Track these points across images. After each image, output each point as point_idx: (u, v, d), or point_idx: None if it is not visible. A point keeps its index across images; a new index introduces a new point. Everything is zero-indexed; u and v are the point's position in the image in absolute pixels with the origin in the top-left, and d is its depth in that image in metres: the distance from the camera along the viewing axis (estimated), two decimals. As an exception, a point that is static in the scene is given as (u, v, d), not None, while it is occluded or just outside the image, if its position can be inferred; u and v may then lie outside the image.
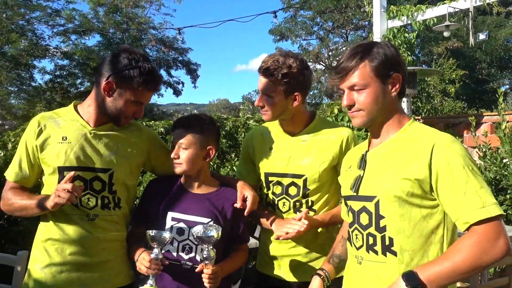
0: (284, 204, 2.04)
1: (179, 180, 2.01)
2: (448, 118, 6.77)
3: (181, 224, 1.90)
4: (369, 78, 1.51)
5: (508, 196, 4.50)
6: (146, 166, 2.09)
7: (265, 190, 2.11)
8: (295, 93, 1.94)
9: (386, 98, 1.54)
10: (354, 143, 2.00)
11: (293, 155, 2.02)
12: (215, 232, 1.76)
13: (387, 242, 1.49)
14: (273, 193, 2.06)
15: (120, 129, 1.95)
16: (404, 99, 5.29)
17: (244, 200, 1.93)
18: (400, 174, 1.46)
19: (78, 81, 20.38)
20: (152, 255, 1.76)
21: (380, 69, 1.51)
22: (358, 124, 1.58)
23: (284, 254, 2.05)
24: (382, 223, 1.49)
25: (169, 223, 1.90)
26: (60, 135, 1.86)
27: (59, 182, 1.81)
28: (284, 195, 2.03)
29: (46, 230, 1.88)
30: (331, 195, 2.04)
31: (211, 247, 1.76)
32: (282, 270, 2.05)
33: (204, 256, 1.76)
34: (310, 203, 2.01)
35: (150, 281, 1.74)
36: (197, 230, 1.77)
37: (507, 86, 24.19)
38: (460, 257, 1.32)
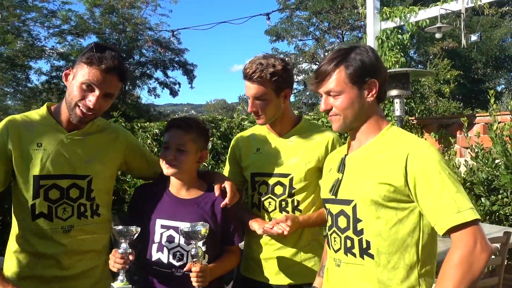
0: (270, 204, 2.05)
1: (166, 186, 1.97)
2: (441, 118, 6.80)
3: (171, 231, 1.88)
4: (343, 84, 1.53)
5: (500, 196, 4.54)
6: (121, 168, 2.04)
7: (250, 191, 2.13)
8: (284, 90, 2.00)
9: (362, 103, 1.55)
10: (339, 145, 2.02)
11: (280, 155, 2.05)
12: (202, 228, 1.73)
13: (364, 245, 1.50)
14: (259, 193, 2.07)
15: (96, 133, 1.87)
16: (397, 100, 5.31)
17: (223, 191, 1.95)
18: (376, 179, 1.48)
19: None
20: (120, 250, 1.71)
21: (356, 75, 1.52)
22: (336, 129, 1.60)
23: (269, 256, 2.05)
24: (359, 226, 1.52)
25: (158, 230, 1.88)
26: (34, 142, 1.74)
27: (33, 192, 1.72)
28: (270, 195, 2.04)
29: (18, 242, 1.78)
30: (317, 196, 2.04)
31: (199, 244, 1.74)
32: (269, 273, 2.05)
33: (192, 253, 1.73)
34: (296, 203, 2.03)
35: (120, 277, 1.70)
36: (184, 226, 1.75)
37: (503, 86, 24.28)
38: (453, 282, 1.32)
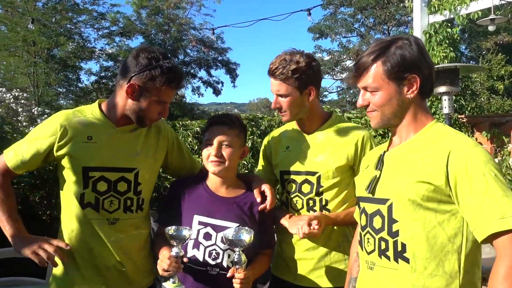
0: (297, 202, 2.00)
1: (204, 182, 1.95)
2: (494, 116, 6.43)
3: (208, 229, 1.85)
4: (380, 81, 1.45)
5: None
6: (162, 163, 2.05)
7: (280, 190, 2.10)
8: (309, 87, 1.93)
9: (402, 99, 1.46)
10: (371, 144, 1.96)
11: (308, 152, 2.00)
12: (247, 236, 1.69)
13: (399, 248, 1.41)
14: (287, 191, 2.03)
15: (142, 128, 1.91)
16: (445, 97, 5.05)
17: (263, 194, 1.92)
18: (415, 177, 1.39)
19: (117, 79, 20.98)
20: (172, 253, 1.70)
21: (394, 71, 1.43)
22: (374, 125, 1.52)
23: (299, 257, 1.99)
24: (395, 227, 1.42)
25: (195, 227, 1.85)
26: (85, 135, 1.80)
27: (83, 182, 1.79)
28: (297, 193, 1.99)
29: (66, 234, 1.84)
30: (348, 196, 1.97)
31: (242, 251, 1.69)
32: (298, 274, 1.99)
33: (236, 260, 1.69)
34: (324, 202, 1.96)
35: (172, 278, 1.70)
36: (228, 233, 1.71)
37: None
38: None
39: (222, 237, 1.80)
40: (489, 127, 6.02)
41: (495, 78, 11.32)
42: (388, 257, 1.43)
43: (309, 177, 1.97)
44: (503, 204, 1.26)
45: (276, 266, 2.11)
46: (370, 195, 1.51)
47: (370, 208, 1.51)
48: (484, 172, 1.30)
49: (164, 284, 1.71)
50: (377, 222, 1.47)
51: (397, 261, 1.41)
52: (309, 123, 2.03)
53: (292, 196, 2.01)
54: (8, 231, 1.76)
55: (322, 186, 1.96)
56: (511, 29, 18.43)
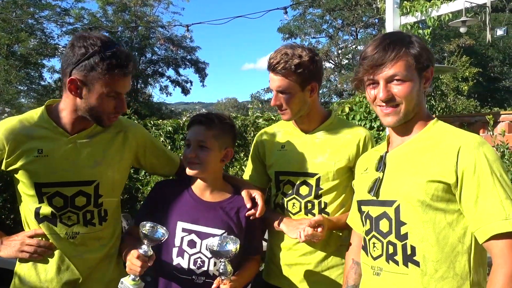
0: (294, 205, 1.90)
1: (189, 186, 1.83)
2: (463, 117, 6.60)
3: (193, 236, 1.74)
4: (412, 70, 1.39)
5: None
6: (134, 165, 1.90)
7: (274, 191, 1.98)
8: (311, 83, 1.84)
9: (420, 92, 1.43)
10: (372, 144, 1.88)
11: (306, 153, 1.90)
12: (232, 246, 1.59)
13: (409, 251, 1.35)
14: (283, 193, 1.92)
15: (102, 133, 1.71)
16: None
17: (253, 200, 1.82)
18: (424, 176, 1.33)
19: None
20: (140, 251, 1.57)
21: (421, 60, 1.39)
22: (392, 121, 1.42)
23: (294, 262, 1.90)
24: (403, 230, 1.36)
25: (179, 234, 1.74)
26: (35, 148, 1.61)
27: (38, 197, 1.62)
28: (294, 195, 1.90)
29: None
30: (346, 198, 1.89)
31: (228, 261, 1.61)
32: (293, 281, 1.90)
33: (221, 271, 1.60)
34: (323, 205, 1.87)
35: (133, 276, 1.58)
36: (213, 243, 1.61)
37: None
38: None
39: (206, 245, 1.70)
40: (459, 127, 6.15)
41: (460, 79, 11.71)
42: (396, 262, 1.37)
43: (308, 179, 1.88)
44: (507, 205, 1.24)
45: (268, 272, 2.01)
46: (374, 198, 1.45)
47: (375, 211, 1.45)
48: (492, 171, 1.28)
49: (122, 279, 1.59)
50: (383, 225, 1.41)
51: (406, 265, 1.35)
52: (308, 122, 1.93)
53: (288, 198, 1.91)
54: None
55: (322, 189, 1.87)
56: (472, 33, 19.15)
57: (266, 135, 2.05)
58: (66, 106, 1.63)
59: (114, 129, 1.74)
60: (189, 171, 1.76)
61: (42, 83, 20.43)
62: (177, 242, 1.75)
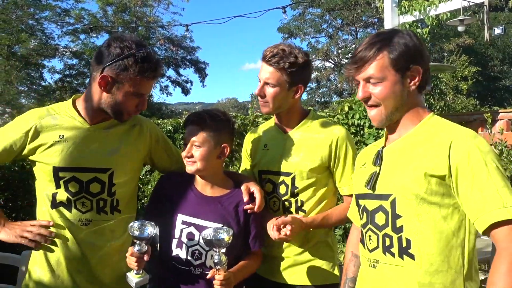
0: (274, 203, 1.97)
1: (192, 181, 1.90)
2: (462, 115, 6.62)
3: (191, 229, 1.80)
4: (386, 71, 1.41)
5: (525, 195, 4.36)
6: (146, 162, 1.99)
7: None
8: (298, 85, 1.89)
9: (405, 91, 1.43)
10: (347, 144, 1.91)
11: (284, 152, 1.95)
12: (226, 235, 1.65)
13: (404, 244, 1.38)
14: (266, 192, 1.97)
15: (120, 125, 1.82)
16: (417, 96, 5.14)
17: (252, 195, 1.85)
18: (418, 170, 1.36)
19: (87, 80, 20.44)
20: (135, 249, 1.65)
21: (399, 61, 1.40)
22: (376, 124, 1.47)
23: (275, 255, 1.97)
24: (398, 223, 1.39)
25: (179, 226, 1.81)
26: (57, 134, 1.73)
27: (55, 181, 1.72)
28: (274, 194, 1.95)
29: None
30: (324, 196, 1.94)
31: (223, 251, 1.66)
32: (273, 271, 1.98)
33: (215, 261, 1.65)
34: (299, 203, 1.93)
35: (136, 270, 1.67)
36: (207, 233, 1.67)
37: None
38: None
39: (205, 243, 1.76)
40: (458, 126, 6.18)
41: (459, 78, 11.72)
42: (392, 254, 1.40)
43: (285, 178, 1.93)
44: (504, 194, 1.26)
45: None
46: (371, 192, 1.48)
47: (372, 204, 1.48)
48: (486, 162, 1.29)
49: (128, 273, 1.68)
50: (380, 218, 1.44)
51: (402, 258, 1.38)
52: (287, 120, 1.98)
53: (269, 197, 1.97)
54: None
55: (297, 187, 1.92)
56: (472, 32, 19.15)
57: (252, 135, 2.11)
58: (90, 98, 1.75)
59: (130, 122, 1.85)
60: (187, 169, 1.82)
61: (43, 83, 20.44)
62: (176, 233, 1.81)
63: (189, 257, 1.79)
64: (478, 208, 1.28)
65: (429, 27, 6.31)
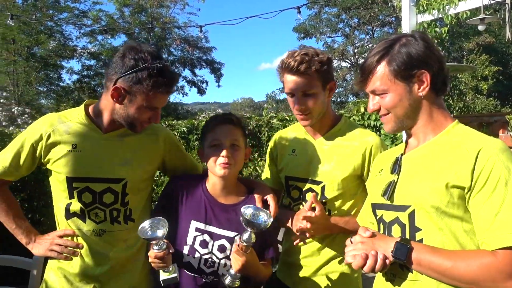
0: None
1: (204, 186, 1.81)
2: (482, 116, 6.45)
3: (205, 236, 1.75)
4: (388, 82, 1.37)
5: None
6: (159, 169, 1.94)
7: (285, 194, 1.99)
8: (330, 82, 1.82)
9: (413, 98, 1.37)
10: (381, 152, 1.80)
11: (314, 159, 1.87)
12: (266, 219, 1.61)
13: None
14: (291, 198, 1.92)
15: (133, 134, 1.77)
16: (435, 97, 5.02)
17: (266, 203, 1.79)
18: (439, 181, 1.28)
19: (104, 80, 20.70)
20: (154, 251, 1.59)
21: (400, 70, 1.35)
22: (388, 130, 1.42)
23: (298, 263, 1.92)
24: (418, 236, 1.32)
25: (192, 233, 1.75)
26: (70, 143, 1.70)
27: (69, 191, 1.71)
28: (301, 201, 1.88)
29: None
30: (353, 206, 1.86)
31: (254, 232, 1.60)
32: (295, 280, 1.92)
33: (245, 238, 1.60)
34: (327, 213, 1.84)
35: (165, 269, 1.64)
36: (248, 212, 1.60)
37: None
38: (463, 268, 1.19)
39: (219, 245, 1.72)
40: (478, 127, 6.03)
41: (479, 78, 11.46)
42: (410, 269, 1.32)
43: (314, 186, 1.85)
44: None
45: (278, 270, 2.05)
46: (389, 202, 1.41)
47: (388, 216, 1.41)
48: (507, 181, 1.21)
49: (160, 276, 1.64)
50: (395, 231, 1.37)
51: (421, 272, 1.31)
52: (318, 127, 1.89)
53: (295, 203, 1.91)
54: (22, 240, 1.78)
55: (326, 197, 1.84)
56: (492, 31, 18.76)
57: (280, 139, 2.03)
58: (105, 107, 1.71)
59: (145, 131, 1.78)
60: (222, 173, 1.72)
61: (61, 84, 20.81)
62: (189, 240, 1.76)
63: (201, 265, 1.74)
64: (485, 230, 1.22)
65: (448, 26, 6.17)
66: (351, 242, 1.36)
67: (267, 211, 1.65)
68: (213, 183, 1.80)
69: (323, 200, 1.83)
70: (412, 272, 1.32)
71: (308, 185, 1.86)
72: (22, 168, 1.73)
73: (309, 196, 1.82)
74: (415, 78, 1.36)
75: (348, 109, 7.35)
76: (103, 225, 1.73)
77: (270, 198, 1.78)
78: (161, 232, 1.56)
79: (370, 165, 1.78)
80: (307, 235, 1.76)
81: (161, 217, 1.59)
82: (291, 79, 1.77)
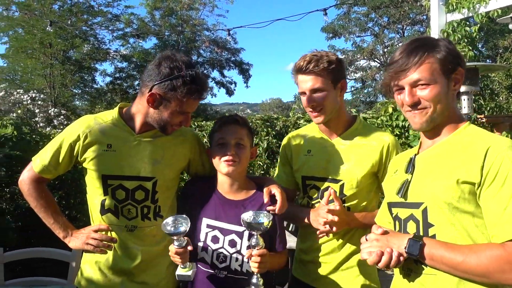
0: None
1: (214, 184, 1.93)
2: (513, 116, 6.29)
3: (216, 232, 1.84)
4: (435, 73, 1.40)
5: None
6: (184, 169, 2.04)
7: (301, 194, 2.05)
8: (341, 81, 1.90)
9: (449, 95, 1.43)
10: (397, 151, 1.89)
11: (331, 159, 1.94)
12: (265, 220, 1.66)
13: None
14: (309, 197, 1.98)
15: (164, 136, 1.88)
16: (465, 97, 4.96)
17: (273, 197, 1.85)
18: (450, 178, 1.33)
19: (136, 82, 21.23)
20: (175, 246, 1.70)
21: (446, 64, 1.40)
22: (419, 126, 1.44)
23: (317, 261, 1.97)
24: (431, 231, 1.37)
25: (203, 229, 1.86)
26: (105, 143, 1.83)
27: (103, 189, 1.83)
28: (319, 199, 1.93)
29: None
30: (369, 204, 1.93)
31: (260, 234, 1.68)
32: (314, 277, 1.98)
33: (253, 244, 1.67)
34: (346, 210, 1.91)
35: (182, 265, 1.74)
36: (247, 216, 1.69)
37: None
38: (474, 262, 1.24)
39: (229, 240, 1.81)
40: (510, 127, 5.90)
41: (514, 77, 11.08)
42: (425, 263, 1.38)
43: (332, 185, 1.91)
44: None
45: (295, 268, 2.10)
46: (403, 200, 1.47)
47: (403, 213, 1.47)
48: None
49: (176, 272, 1.75)
50: (411, 227, 1.43)
51: (434, 267, 1.36)
52: (334, 127, 1.96)
53: (314, 202, 1.97)
54: (59, 235, 1.89)
55: (345, 195, 1.91)
56: (529, 27, 18.07)
57: (294, 139, 2.10)
58: (139, 111, 1.84)
59: (174, 133, 1.90)
60: (227, 170, 1.84)
61: (95, 86, 21.42)
62: (202, 237, 1.86)
63: (214, 260, 1.83)
64: (495, 224, 1.26)
65: (478, 25, 6.06)
66: (366, 240, 1.43)
67: (266, 212, 1.73)
68: (222, 181, 1.91)
69: (342, 198, 1.90)
70: (426, 267, 1.38)
71: (326, 184, 1.93)
72: (60, 167, 1.87)
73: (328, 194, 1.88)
74: (454, 74, 1.42)
75: (376, 109, 7.30)
76: (135, 221, 1.85)
77: (277, 192, 1.85)
78: (182, 228, 1.68)
79: (387, 162, 1.85)
80: (334, 229, 1.81)
81: (183, 215, 1.71)
82: (302, 79, 1.87)
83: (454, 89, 1.44)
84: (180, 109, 1.75)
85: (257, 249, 1.68)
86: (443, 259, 1.29)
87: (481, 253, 1.25)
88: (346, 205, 1.91)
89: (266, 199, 1.84)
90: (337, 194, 1.88)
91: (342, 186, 1.90)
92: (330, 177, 1.93)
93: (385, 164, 1.87)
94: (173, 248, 1.71)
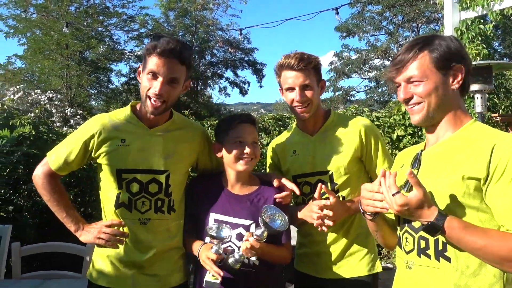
0: None
1: (220, 180, 2.00)
2: (529, 115, 6.20)
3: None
4: (427, 70, 1.42)
5: None
6: (192, 165, 2.09)
7: (295, 194, 2.11)
8: (321, 81, 2.05)
9: (447, 90, 1.44)
10: (373, 133, 2.03)
11: (316, 153, 2.04)
12: (281, 227, 1.79)
13: (440, 247, 1.38)
14: (303, 194, 2.05)
15: (175, 129, 1.96)
16: (478, 95, 4.90)
17: (281, 187, 1.96)
18: (455, 174, 1.35)
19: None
20: (212, 251, 1.78)
21: (441, 60, 1.42)
22: (417, 120, 1.46)
23: (320, 252, 2.06)
24: None
25: (211, 224, 1.90)
26: (119, 138, 1.89)
27: (118, 182, 1.88)
28: (312, 194, 1.98)
29: None
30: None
31: (267, 231, 1.77)
32: (319, 268, 2.07)
33: (258, 233, 1.77)
34: (340, 199, 2.00)
35: (211, 272, 1.79)
36: (266, 214, 1.77)
37: None
38: (498, 246, 1.26)
39: (237, 234, 1.87)
40: (525, 126, 5.81)
41: (530, 75, 10.88)
42: (428, 256, 1.41)
43: (322, 177, 2.01)
44: None
45: (298, 262, 2.18)
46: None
47: None
48: None
49: (205, 279, 1.80)
50: (416, 222, 1.45)
51: (438, 260, 1.39)
52: (313, 123, 2.07)
53: (308, 197, 2.04)
54: (70, 228, 1.94)
55: (336, 183, 2.00)
56: (548, 25, 17.71)
57: (277, 145, 2.20)
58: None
59: (185, 128, 2.00)
60: (245, 167, 1.91)
61: (110, 86, 21.69)
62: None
63: (222, 254, 1.87)
64: (505, 217, 1.29)
65: (493, 23, 5.99)
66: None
67: (285, 217, 1.80)
68: (229, 177, 1.98)
69: (335, 187, 2.00)
70: (430, 259, 1.40)
71: (316, 177, 2.03)
72: (73, 164, 1.93)
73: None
74: (452, 70, 1.44)
75: (389, 108, 7.26)
76: (148, 214, 1.89)
77: (286, 181, 1.96)
78: (225, 233, 1.78)
79: (368, 145, 1.99)
80: (331, 223, 1.88)
81: (228, 225, 1.81)
82: (291, 75, 1.97)
83: (454, 84, 1.44)
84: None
85: (255, 239, 1.76)
86: (462, 240, 1.31)
87: (505, 240, 1.27)
88: (339, 194, 2.01)
89: (276, 183, 1.95)
90: (329, 185, 1.99)
91: (331, 176, 2.01)
92: (318, 170, 2.02)
93: (366, 147, 2.00)
94: (210, 253, 1.78)
